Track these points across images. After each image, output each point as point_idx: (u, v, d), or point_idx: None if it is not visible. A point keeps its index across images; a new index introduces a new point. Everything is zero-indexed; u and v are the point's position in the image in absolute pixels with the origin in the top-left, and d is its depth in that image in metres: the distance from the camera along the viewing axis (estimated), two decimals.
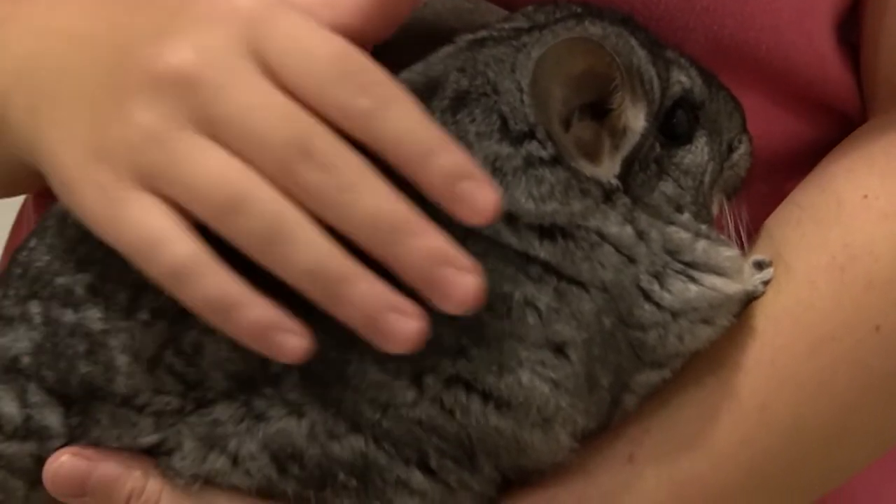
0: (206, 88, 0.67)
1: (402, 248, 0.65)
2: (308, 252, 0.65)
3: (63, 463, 0.71)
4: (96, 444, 0.72)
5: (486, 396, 0.70)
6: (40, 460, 0.72)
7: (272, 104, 0.66)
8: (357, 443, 0.70)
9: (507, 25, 0.74)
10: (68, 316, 0.71)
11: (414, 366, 0.69)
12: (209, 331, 0.68)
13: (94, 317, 0.71)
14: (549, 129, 0.70)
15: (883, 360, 0.74)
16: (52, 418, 0.72)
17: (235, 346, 0.68)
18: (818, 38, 0.79)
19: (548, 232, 0.70)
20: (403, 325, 0.65)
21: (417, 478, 0.71)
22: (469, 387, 0.70)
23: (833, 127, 0.82)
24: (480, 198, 0.66)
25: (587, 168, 0.70)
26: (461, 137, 0.70)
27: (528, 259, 0.70)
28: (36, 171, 0.72)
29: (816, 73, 0.80)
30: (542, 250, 0.69)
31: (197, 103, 0.67)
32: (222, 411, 0.70)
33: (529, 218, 0.70)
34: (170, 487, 0.71)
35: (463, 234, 0.68)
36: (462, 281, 0.66)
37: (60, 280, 0.72)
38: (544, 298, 0.69)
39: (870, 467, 0.82)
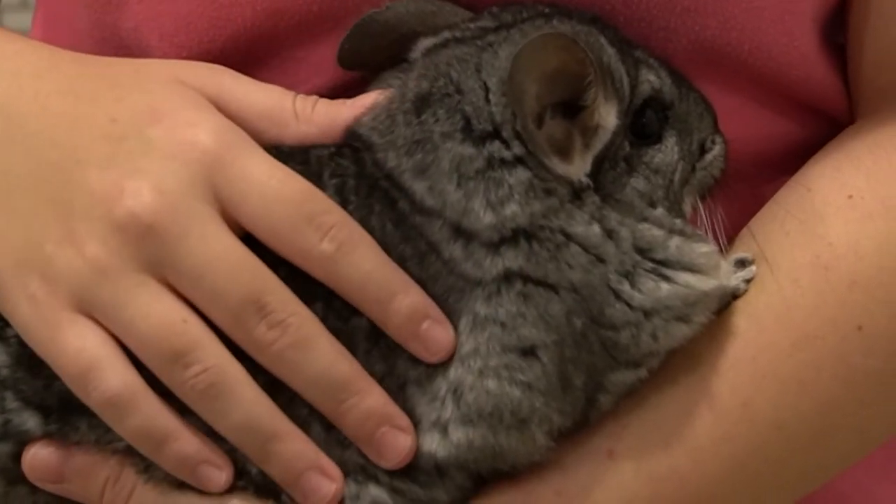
0: (164, 238, 0.69)
1: (344, 406, 0.70)
2: (242, 409, 0.69)
3: (41, 448, 0.73)
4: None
5: (433, 426, 0.71)
6: (19, 460, 0.74)
7: (229, 258, 0.69)
8: None
9: (472, 25, 0.75)
10: None
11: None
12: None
13: None
14: (523, 127, 0.70)
15: (865, 358, 0.74)
16: (31, 423, 0.73)
17: None
18: (800, 38, 0.79)
19: (510, 239, 0.70)
20: (322, 487, 0.70)
21: (374, 492, 0.72)
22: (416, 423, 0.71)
23: (820, 128, 0.82)
24: (439, 338, 0.70)
25: (559, 166, 0.71)
26: (427, 139, 0.71)
27: (481, 283, 0.70)
28: None
29: (800, 74, 0.80)
30: (504, 259, 0.70)
31: (154, 250, 0.69)
32: (195, 420, 0.71)
33: (489, 234, 0.70)
34: (143, 480, 0.72)
35: (424, 251, 0.70)
36: (397, 442, 0.70)
37: None
38: (506, 308, 0.70)
39: (860, 467, 0.82)
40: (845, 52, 0.83)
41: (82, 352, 0.69)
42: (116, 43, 0.81)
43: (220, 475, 0.71)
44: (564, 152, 0.71)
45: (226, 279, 0.68)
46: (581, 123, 0.72)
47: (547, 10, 0.74)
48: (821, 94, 0.81)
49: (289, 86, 0.77)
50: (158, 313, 0.69)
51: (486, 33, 0.73)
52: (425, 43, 0.75)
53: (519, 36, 0.72)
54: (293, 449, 0.70)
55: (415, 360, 0.71)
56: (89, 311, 0.70)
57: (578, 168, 0.71)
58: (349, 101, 0.73)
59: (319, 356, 0.69)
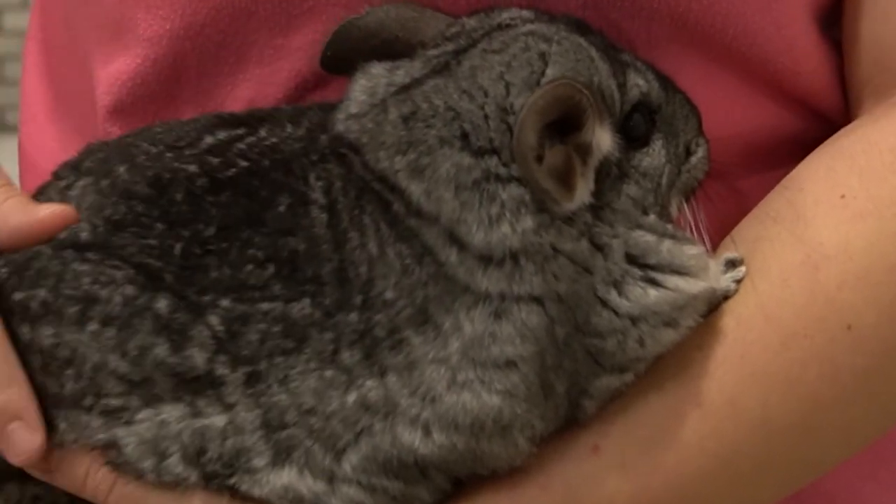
0: None
1: None
2: None
3: None
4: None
5: (414, 422, 0.70)
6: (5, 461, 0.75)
7: None
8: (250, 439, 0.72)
9: (435, 52, 0.74)
10: (24, 332, 0.73)
11: (348, 377, 0.71)
12: (156, 332, 0.71)
13: (45, 333, 0.73)
14: (527, 175, 0.70)
15: (854, 358, 0.73)
16: None
17: (176, 349, 0.71)
18: (788, 27, 0.79)
19: (498, 262, 0.70)
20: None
21: (346, 490, 0.71)
22: (392, 413, 0.71)
23: (810, 124, 0.82)
24: (21, 442, 0.73)
25: (566, 205, 0.70)
26: (420, 140, 0.71)
27: (467, 289, 0.70)
28: None
29: (786, 63, 0.80)
30: (486, 280, 0.70)
31: None
32: (170, 412, 0.72)
33: (479, 250, 0.70)
34: (121, 476, 0.73)
35: (421, 252, 0.70)
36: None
37: (18, 296, 0.74)
38: (483, 324, 0.70)
39: (847, 467, 0.81)
40: (841, 50, 0.82)
41: None
42: (104, 16, 0.82)
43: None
44: (566, 179, 0.71)
45: None
46: (576, 142, 0.71)
47: (531, 16, 0.74)
48: (810, 86, 0.81)
49: (272, 73, 0.79)
50: None
51: (456, 55, 0.73)
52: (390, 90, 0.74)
53: (502, 55, 0.72)
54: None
55: (395, 350, 0.70)
56: None
57: (583, 191, 0.71)
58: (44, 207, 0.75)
59: None
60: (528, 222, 0.70)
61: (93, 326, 0.72)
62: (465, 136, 0.71)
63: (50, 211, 0.74)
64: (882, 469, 0.87)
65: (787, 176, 0.78)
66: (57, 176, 0.78)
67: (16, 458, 0.73)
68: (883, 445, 0.86)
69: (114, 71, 0.84)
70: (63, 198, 0.75)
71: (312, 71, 0.80)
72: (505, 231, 0.70)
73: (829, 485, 0.84)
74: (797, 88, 0.81)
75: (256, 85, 0.81)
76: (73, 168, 0.77)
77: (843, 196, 0.75)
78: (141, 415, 0.72)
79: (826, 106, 0.82)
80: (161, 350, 0.71)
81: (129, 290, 0.72)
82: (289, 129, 0.75)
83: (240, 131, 0.75)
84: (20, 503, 0.77)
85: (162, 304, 0.71)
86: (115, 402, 0.72)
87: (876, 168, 0.76)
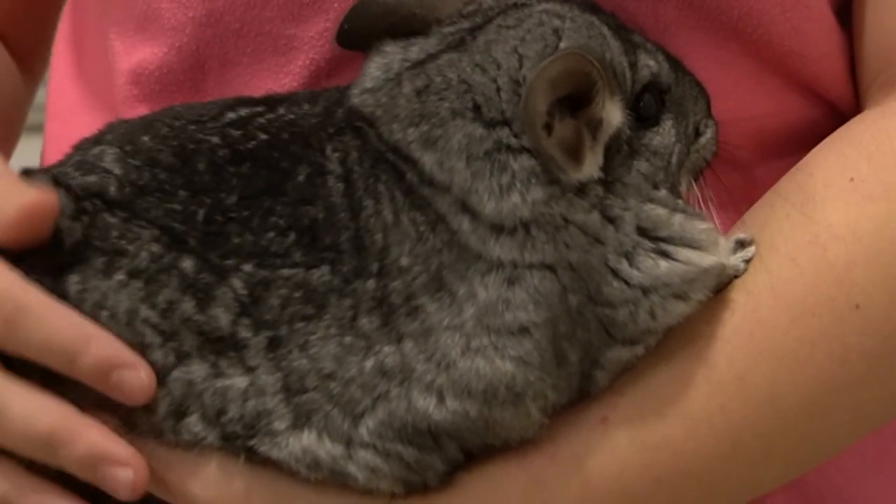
0: None
1: (60, 456, 0.72)
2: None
3: None
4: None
5: (429, 388, 0.71)
6: None
7: None
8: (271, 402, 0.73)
9: (451, 29, 0.75)
10: (46, 282, 0.74)
11: (367, 343, 0.72)
12: (182, 290, 0.72)
13: (72, 280, 0.74)
14: (535, 143, 0.71)
15: (861, 337, 0.74)
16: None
17: (202, 308, 0.72)
18: (793, 11, 0.80)
19: (510, 230, 0.71)
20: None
21: (363, 454, 0.72)
22: (408, 379, 0.72)
23: (818, 111, 0.83)
24: (131, 383, 0.72)
25: (575, 175, 0.71)
26: (433, 113, 0.72)
27: (480, 256, 0.71)
28: None
29: (792, 46, 0.81)
30: (498, 248, 0.71)
31: None
32: (197, 370, 0.73)
33: (491, 219, 0.71)
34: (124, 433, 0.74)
35: (434, 220, 0.71)
36: (120, 475, 0.72)
37: (42, 249, 0.75)
38: (497, 290, 0.71)
39: (852, 459, 0.82)
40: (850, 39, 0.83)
41: None
42: (129, 9, 0.84)
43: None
44: (575, 152, 0.72)
45: None
46: (586, 116, 0.72)
47: None
48: (817, 72, 0.82)
49: (288, 62, 0.81)
50: None
51: (472, 32, 0.74)
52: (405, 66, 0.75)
53: (517, 31, 0.73)
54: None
55: (411, 317, 0.71)
56: None
57: (591, 165, 0.72)
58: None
59: (21, 410, 0.72)
60: (538, 193, 0.71)
61: (119, 277, 0.73)
62: (477, 108, 0.72)
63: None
64: (887, 462, 0.88)
65: (798, 163, 0.79)
66: (78, 148, 0.79)
67: (134, 401, 0.72)
68: (889, 438, 0.86)
69: (139, 61, 0.85)
70: (84, 157, 0.77)
71: (327, 60, 0.81)
72: (515, 201, 0.71)
73: (833, 476, 0.84)
74: (803, 73, 0.82)
75: (274, 75, 0.83)
76: (94, 141, 0.78)
77: (852, 179, 0.76)
78: (175, 374, 0.73)
79: (835, 95, 0.83)
80: (188, 306, 0.72)
81: (156, 247, 0.73)
82: (306, 107, 0.77)
83: (259, 108, 0.77)
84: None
85: (187, 263, 0.73)
86: (157, 354, 0.73)
87: (885, 153, 0.77)
